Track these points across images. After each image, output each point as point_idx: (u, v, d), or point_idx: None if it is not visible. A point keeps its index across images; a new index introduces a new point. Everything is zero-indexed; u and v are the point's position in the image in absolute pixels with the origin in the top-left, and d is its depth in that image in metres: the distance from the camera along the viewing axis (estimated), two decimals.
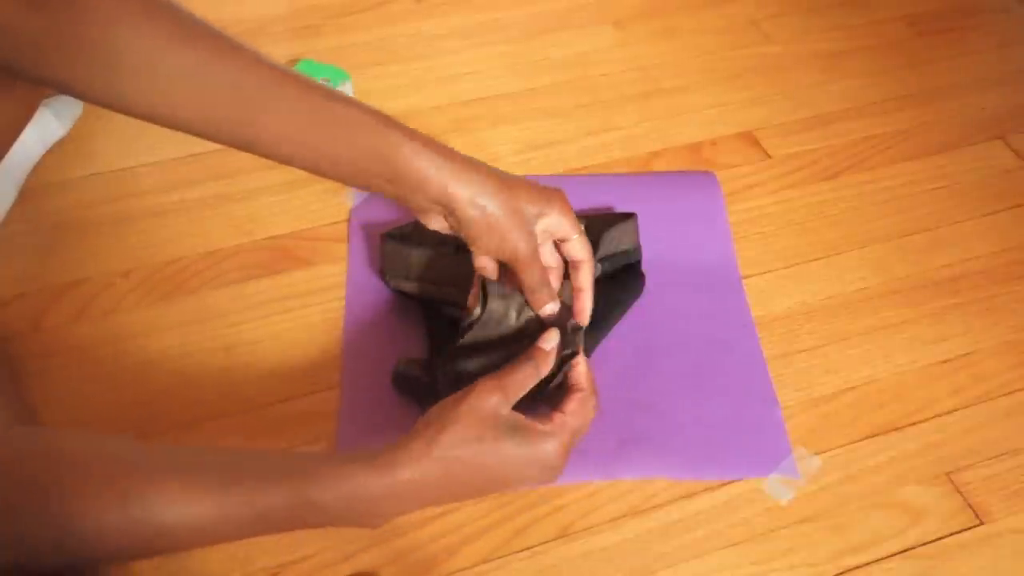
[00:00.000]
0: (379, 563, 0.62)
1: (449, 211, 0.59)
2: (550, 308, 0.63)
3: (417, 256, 0.73)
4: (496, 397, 0.54)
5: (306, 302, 0.78)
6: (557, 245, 0.64)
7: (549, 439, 0.55)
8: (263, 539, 0.63)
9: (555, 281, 0.65)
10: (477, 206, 0.58)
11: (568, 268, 0.65)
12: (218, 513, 0.49)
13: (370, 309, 0.76)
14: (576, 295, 0.64)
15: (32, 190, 0.85)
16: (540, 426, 0.55)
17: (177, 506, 0.48)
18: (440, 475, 0.52)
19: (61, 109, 0.88)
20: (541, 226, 0.61)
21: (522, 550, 0.63)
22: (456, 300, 0.72)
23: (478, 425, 0.53)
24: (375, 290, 0.78)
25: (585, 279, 0.64)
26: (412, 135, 0.57)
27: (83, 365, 0.72)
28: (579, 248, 0.63)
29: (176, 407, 0.70)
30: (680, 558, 0.63)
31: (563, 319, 0.63)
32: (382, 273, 0.76)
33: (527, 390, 0.57)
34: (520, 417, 0.55)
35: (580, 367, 0.60)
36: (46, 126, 0.87)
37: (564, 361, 0.60)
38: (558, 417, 0.56)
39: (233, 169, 0.89)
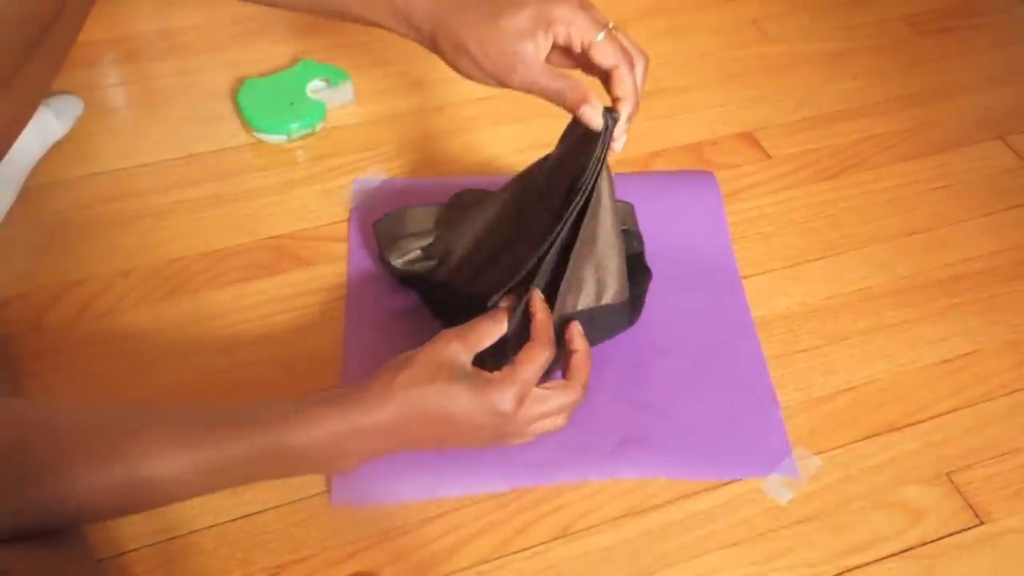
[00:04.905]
0: (379, 563, 0.62)
1: (435, 46, 0.60)
2: (587, 112, 0.57)
3: (413, 214, 0.74)
4: (455, 345, 0.56)
5: (306, 302, 0.78)
6: (585, 58, 0.59)
7: (498, 385, 0.56)
8: (263, 539, 0.63)
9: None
10: (460, 43, 0.58)
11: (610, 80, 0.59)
12: (195, 463, 0.51)
13: (370, 309, 0.76)
14: (615, 103, 0.59)
15: (32, 190, 0.85)
16: (489, 375, 0.56)
17: (155, 460, 0.50)
18: (396, 414, 0.54)
19: (61, 109, 0.88)
20: (559, 38, 0.58)
21: (522, 550, 0.63)
22: (456, 252, 0.72)
23: (434, 368, 0.55)
24: (375, 290, 0.77)
25: (622, 85, 0.58)
26: None
27: (83, 365, 0.72)
28: (605, 51, 0.57)
29: None
30: (680, 558, 0.63)
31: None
32: (381, 258, 0.75)
33: (488, 343, 0.58)
34: (474, 367, 0.57)
35: (538, 315, 0.60)
36: (46, 126, 0.87)
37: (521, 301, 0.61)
38: (507, 367, 0.57)
39: (233, 169, 0.89)
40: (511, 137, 0.93)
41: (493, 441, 0.59)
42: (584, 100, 0.58)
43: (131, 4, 1.07)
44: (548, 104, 0.65)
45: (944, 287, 0.81)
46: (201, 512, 0.64)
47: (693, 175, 0.89)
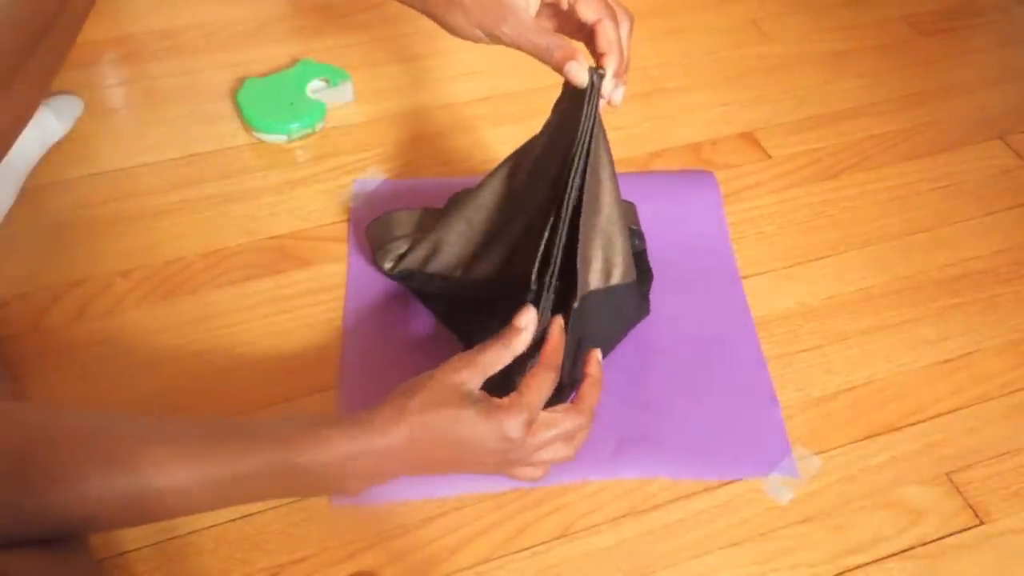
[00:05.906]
0: (379, 563, 0.62)
1: (426, 3, 0.62)
2: (573, 68, 0.58)
3: (400, 218, 0.74)
4: (465, 372, 0.56)
5: (306, 302, 0.78)
6: (571, 14, 0.60)
7: (507, 411, 0.56)
8: (263, 539, 0.63)
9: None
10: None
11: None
12: (203, 478, 0.51)
13: (370, 309, 0.76)
14: (599, 60, 0.60)
15: (32, 190, 0.85)
16: (499, 401, 0.57)
17: (164, 472, 0.50)
18: (407, 437, 0.55)
19: (61, 109, 0.88)
20: None
21: (522, 550, 0.63)
22: (448, 243, 0.72)
23: (444, 393, 0.55)
24: (375, 290, 0.77)
25: (605, 38, 0.58)
26: None
27: (83, 365, 0.72)
28: (589, 5, 0.58)
29: (175, 407, 0.70)
30: (680, 558, 0.63)
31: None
32: (374, 260, 0.75)
33: (498, 368, 0.58)
34: (483, 393, 0.57)
35: (552, 339, 0.60)
36: (46, 126, 0.87)
37: (536, 344, 0.61)
38: (514, 394, 0.57)
39: (233, 169, 0.89)
40: (512, 137, 0.92)
41: (501, 467, 0.59)
42: (570, 57, 0.59)
43: (131, 4, 1.07)
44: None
45: (944, 287, 0.81)
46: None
47: (693, 175, 0.89)
